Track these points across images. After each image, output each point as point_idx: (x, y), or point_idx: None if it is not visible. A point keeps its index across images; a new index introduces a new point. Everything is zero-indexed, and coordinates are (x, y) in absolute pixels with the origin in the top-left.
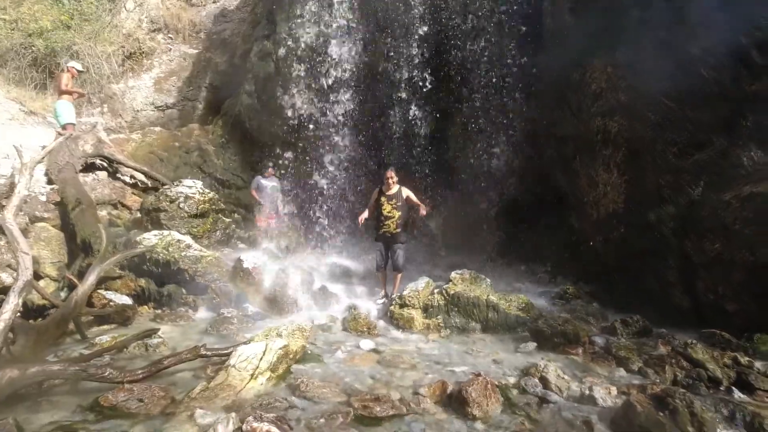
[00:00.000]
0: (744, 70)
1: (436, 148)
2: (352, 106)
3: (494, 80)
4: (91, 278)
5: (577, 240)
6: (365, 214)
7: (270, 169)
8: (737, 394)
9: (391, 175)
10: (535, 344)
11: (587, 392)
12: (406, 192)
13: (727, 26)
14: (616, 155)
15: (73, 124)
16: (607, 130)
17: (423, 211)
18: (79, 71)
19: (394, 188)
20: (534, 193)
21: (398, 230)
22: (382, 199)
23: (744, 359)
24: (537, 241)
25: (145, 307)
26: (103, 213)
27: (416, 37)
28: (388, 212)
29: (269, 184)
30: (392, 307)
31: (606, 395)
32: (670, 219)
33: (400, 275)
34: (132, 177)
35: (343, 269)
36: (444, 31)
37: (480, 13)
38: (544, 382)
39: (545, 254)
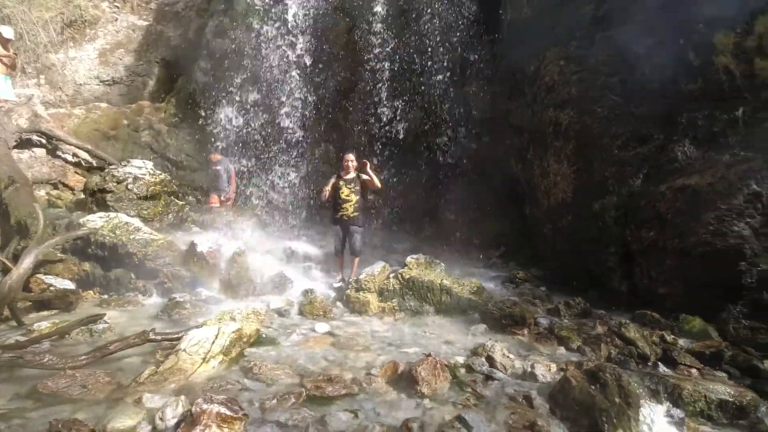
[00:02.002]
0: (682, 69)
1: (395, 133)
2: (312, 89)
3: (453, 66)
4: (27, 261)
5: (529, 227)
6: (326, 192)
7: (213, 155)
8: (662, 369)
9: (351, 158)
10: (485, 326)
11: (529, 369)
12: (365, 176)
13: (669, 27)
14: (566, 147)
15: (5, 100)
16: (558, 122)
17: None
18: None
19: (352, 173)
20: (490, 180)
21: (356, 214)
22: (340, 182)
23: (670, 337)
24: (492, 226)
25: (90, 292)
26: (41, 193)
27: (378, 19)
28: (346, 195)
29: (215, 167)
30: (348, 291)
31: (546, 372)
32: (612, 208)
33: (357, 259)
34: (74, 155)
35: (300, 253)
36: (405, 14)
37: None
38: (491, 360)
39: (499, 240)
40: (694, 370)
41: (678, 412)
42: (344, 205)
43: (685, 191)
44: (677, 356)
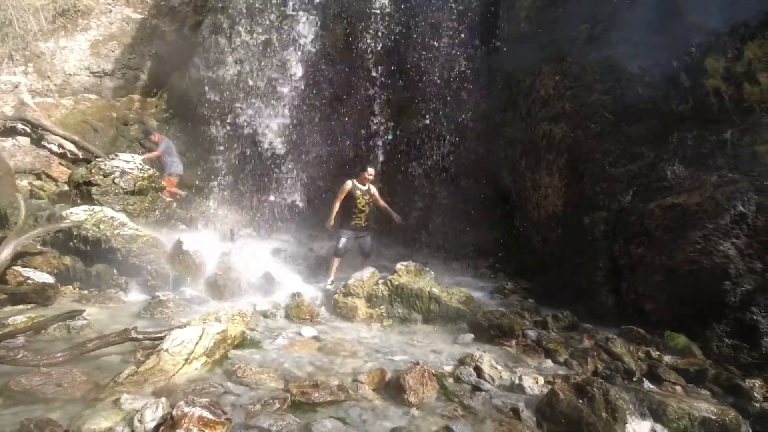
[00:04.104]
0: (673, 91)
1: (390, 139)
2: (307, 91)
3: (449, 76)
4: (6, 253)
5: (518, 238)
6: (333, 214)
7: (153, 135)
8: (647, 385)
9: (372, 173)
10: (472, 336)
11: (517, 381)
12: (374, 189)
13: (662, 49)
14: (558, 160)
15: None
16: (552, 135)
17: (396, 219)
18: None
19: (368, 184)
20: (481, 191)
21: (367, 224)
22: (357, 192)
23: (655, 353)
24: (482, 237)
25: (69, 287)
26: (23, 183)
27: (375, 28)
28: (362, 206)
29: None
30: (336, 296)
31: (534, 384)
32: (602, 223)
33: (368, 259)
34: (60, 146)
35: (289, 255)
36: (403, 23)
37: (439, 11)
38: (478, 371)
39: (488, 250)
40: (678, 387)
41: (662, 429)
42: (360, 215)
43: (673, 209)
44: (662, 373)
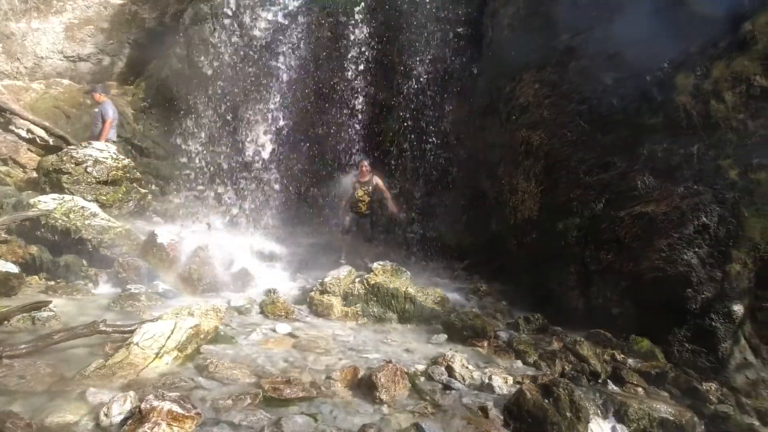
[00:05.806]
0: (646, 104)
1: (371, 138)
2: (291, 89)
3: (432, 79)
4: None
5: (494, 241)
6: (344, 206)
7: (96, 94)
8: (611, 386)
9: (366, 164)
10: (446, 336)
11: (487, 381)
12: (377, 179)
13: (637, 63)
14: (535, 167)
15: None
16: (530, 142)
17: (393, 208)
18: None
19: (368, 176)
20: (459, 193)
21: (368, 212)
22: (357, 185)
23: (620, 356)
24: (458, 238)
25: (36, 277)
26: None
27: (361, 29)
28: (360, 197)
29: (95, 109)
30: (312, 293)
31: (503, 384)
32: (575, 229)
33: (370, 245)
34: (29, 131)
35: (265, 251)
36: (389, 25)
37: (423, 12)
38: (450, 370)
39: (465, 252)
40: (640, 389)
41: (624, 429)
42: (359, 204)
43: (642, 218)
44: (625, 375)
